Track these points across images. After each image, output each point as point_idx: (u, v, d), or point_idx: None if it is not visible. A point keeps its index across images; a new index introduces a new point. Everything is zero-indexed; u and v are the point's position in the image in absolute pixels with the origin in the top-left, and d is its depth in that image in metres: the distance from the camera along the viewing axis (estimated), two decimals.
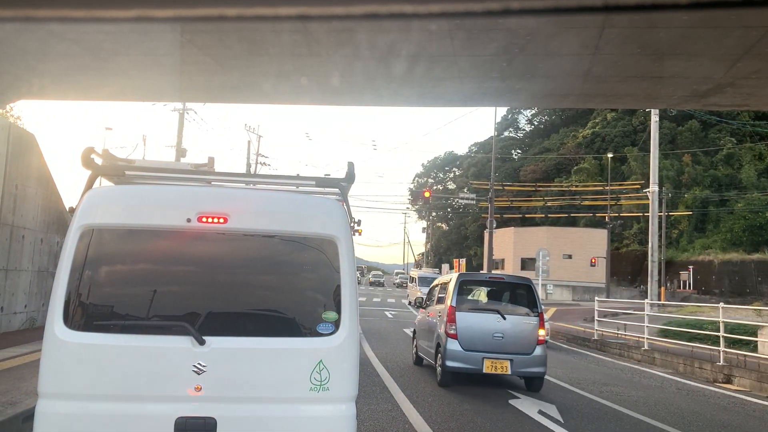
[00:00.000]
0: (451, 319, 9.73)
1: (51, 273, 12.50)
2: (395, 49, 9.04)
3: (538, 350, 9.82)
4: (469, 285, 10.86)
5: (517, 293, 10.67)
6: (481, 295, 11.14)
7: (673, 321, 17.37)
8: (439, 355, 9.91)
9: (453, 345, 9.62)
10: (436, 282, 12.29)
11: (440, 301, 10.73)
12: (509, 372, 9.72)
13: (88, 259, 3.56)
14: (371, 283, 65.12)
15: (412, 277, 37.74)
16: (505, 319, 9.85)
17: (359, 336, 4.34)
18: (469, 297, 10.72)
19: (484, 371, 9.60)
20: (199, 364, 3.47)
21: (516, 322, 9.92)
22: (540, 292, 26.16)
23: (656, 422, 8.32)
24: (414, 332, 12.68)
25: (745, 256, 44.06)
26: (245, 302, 3.83)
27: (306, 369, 3.59)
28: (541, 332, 9.98)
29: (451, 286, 10.11)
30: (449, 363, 9.60)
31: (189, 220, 3.57)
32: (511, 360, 9.62)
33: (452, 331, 9.68)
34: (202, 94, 14.23)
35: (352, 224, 5.15)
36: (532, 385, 9.99)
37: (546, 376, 10.30)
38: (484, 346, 9.66)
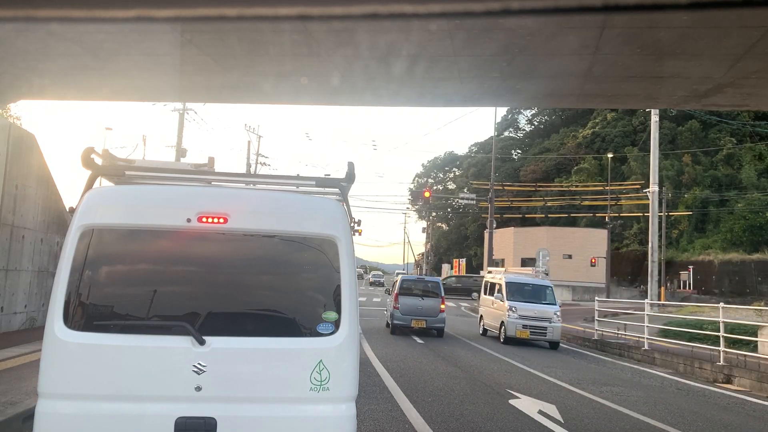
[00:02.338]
0: (396, 299, 18.21)
1: (51, 273, 12.50)
2: (395, 49, 9.04)
3: (441, 315, 18.09)
4: (407, 282, 19.59)
5: (430, 286, 19.11)
6: (412, 286, 19.10)
7: (673, 321, 17.37)
8: (391, 317, 18.45)
9: (397, 313, 18.03)
10: (394, 280, 23.02)
11: (394, 289, 19.22)
12: (425, 326, 17.86)
13: (88, 259, 3.56)
14: (371, 283, 65.09)
15: (492, 284, 19.97)
16: (423, 299, 18.24)
17: (359, 336, 4.34)
18: (406, 288, 18.72)
19: (411, 326, 17.77)
20: (199, 364, 3.47)
21: (429, 301, 18.24)
22: None
23: (656, 422, 8.32)
24: (387, 309, 20.84)
25: (745, 256, 44.04)
26: (245, 302, 3.83)
27: (306, 369, 3.59)
28: (442, 306, 18.21)
29: (398, 283, 19.17)
30: (395, 321, 18.06)
31: (189, 220, 3.57)
32: (426, 320, 17.85)
33: (397, 305, 18.08)
34: (202, 94, 14.22)
35: (352, 224, 5.15)
36: (437, 332, 18.19)
37: (546, 376, 11.60)
38: (412, 313, 17.92)
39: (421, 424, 7.30)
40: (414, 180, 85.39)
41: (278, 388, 3.64)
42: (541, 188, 60.10)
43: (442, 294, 18.48)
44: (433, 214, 78.35)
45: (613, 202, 48.90)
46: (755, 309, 17.55)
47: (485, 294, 20.29)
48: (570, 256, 52.00)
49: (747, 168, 52.11)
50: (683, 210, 50.50)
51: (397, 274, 75.68)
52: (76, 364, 3.49)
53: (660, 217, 34.74)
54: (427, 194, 40.15)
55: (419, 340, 16.79)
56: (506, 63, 9.51)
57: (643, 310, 17.09)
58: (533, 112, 74.63)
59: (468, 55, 9.26)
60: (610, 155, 49.49)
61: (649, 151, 30.75)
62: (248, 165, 38.32)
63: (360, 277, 60.35)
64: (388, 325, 19.25)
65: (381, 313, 26.83)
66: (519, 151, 72.77)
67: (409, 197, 79.51)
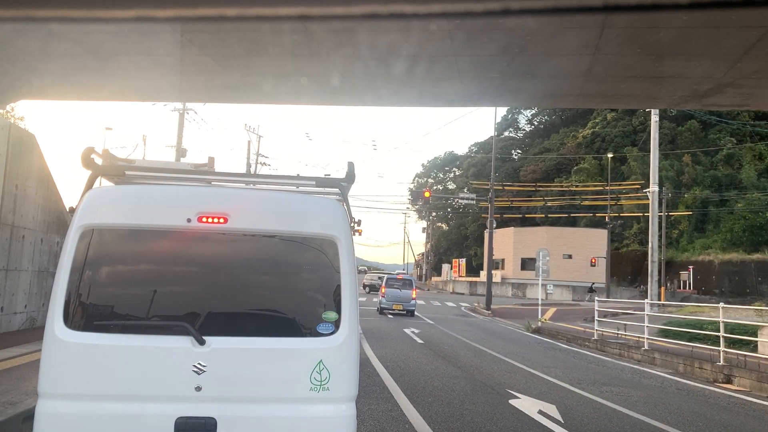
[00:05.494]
0: (383, 290, 26.97)
1: (51, 273, 12.51)
2: (395, 49, 9.04)
3: (412, 301, 26.32)
4: (390, 279, 28.12)
5: (406, 281, 27.62)
6: (394, 282, 27.37)
7: (673, 321, 17.35)
8: (380, 303, 26.87)
9: (383, 300, 26.58)
10: (379, 277, 40.20)
11: (382, 284, 28.35)
12: (402, 309, 25.79)
13: (89, 259, 3.56)
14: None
15: None
16: (401, 290, 26.44)
17: (359, 336, 4.34)
18: (390, 283, 27.20)
19: (393, 308, 25.88)
20: (199, 364, 3.47)
21: (405, 291, 26.44)
22: (540, 292, 27.02)
23: (656, 422, 8.32)
24: (377, 298, 29.16)
25: (745, 256, 44.04)
26: (245, 302, 3.82)
27: (306, 369, 3.59)
28: (414, 294, 26.67)
29: (384, 279, 28.91)
30: (382, 306, 26.47)
31: (189, 220, 3.57)
32: (403, 304, 25.85)
33: (383, 295, 26.68)
34: (202, 94, 14.22)
35: (352, 224, 5.14)
36: (409, 313, 25.96)
37: (546, 376, 11.67)
38: (393, 300, 26.17)
39: (421, 424, 7.30)
40: (414, 180, 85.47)
41: (278, 388, 3.64)
42: (541, 188, 60.12)
43: (414, 287, 27.61)
44: (433, 214, 78.35)
45: (613, 202, 48.92)
46: (755, 309, 17.54)
47: None
48: (570, 256, 52.02)
49: (747, 168, 52.11)
50: (683, 210, 50.50)
51: (397, 273, 76.80)
52: (76, 364, 3.48)
53: (660, 217, 34.74)
54: (427, 194, 40.26)
55: (419, 340, 16.80)
56: (506, 63, 9.51)
57: (643, 310, 17.08)
58: (533, 112, 74.63)
59: (468, 55, 9.26)
60: (610, 155, 49.52)
61: (649, 151, 30.75)
62: (248, 165, 38.33)
63: (363, 272, 60.23)
64: (378, 309, 26.95)
65: (383, 314, 26.90)
66: (519, 151, 72.76)
67: (409, 197, 79.58)
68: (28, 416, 4.98)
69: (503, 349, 16.14)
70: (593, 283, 37.52)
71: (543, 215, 59.55)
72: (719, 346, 12.83)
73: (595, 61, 9.25)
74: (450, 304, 39.40)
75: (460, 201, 60.98)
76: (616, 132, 59.89)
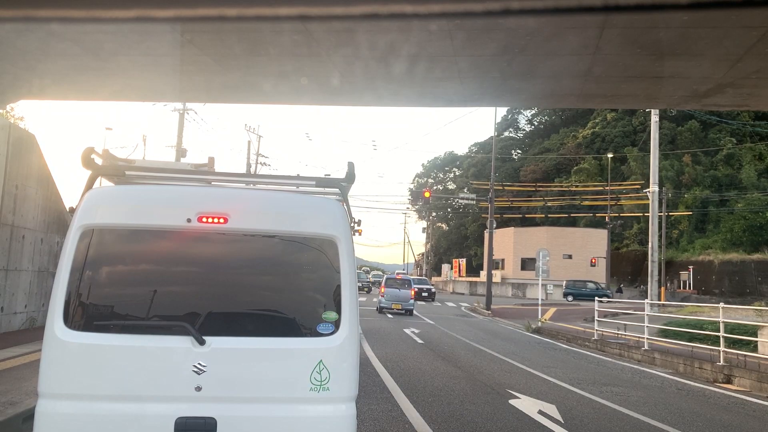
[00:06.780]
0: (382, 289, 27.78)
1: (51, 273, 12.51)
2: (395, 49, 9.04)
3: (410, 301, 27.17)
4: (389, 279, 29.04)
5: (406, 281, 28.88)
6: (393, 282, 28.52)
7: (673, 321, 17.35)
8: (379, 302, 27.60)
9: (383, 299, 27.26)
10: (382, 279, 32.53)
11: (382, 284, 29.00)
12: (401, 308, 26.56)
13: (89, 259, 3.56)
14: (371, 283, 65.20)
15: None
16: (400, 290, 27.33)
17: (359, 336, 4.34)
18: (390, 282, 28.33)
19: (392, 308, 26.64)
20: (199, 364, 3.47)
21: (404, 291, 27.41)
22: (540, 292, 27.13)
23: (656, 422, 8.32)
24: (377, 298, 30.00)
25: (745, 256, 44.05)
26: (245, 302, 3.82)
27: (306, 369, 3.59)
28: (411, 293, 27.61)
29: (384, 279, 29.52)
30: (381, 305, 27.17)
31: (189, 220, 3.57)
32: (401, 303, 26.70)
33: (383, 294, 27.38)
34: (202, 94, 14.23)
35: (352, 224, 5.15)
36: (408, 312, 26.68)
37: (546, 376, 11.72)
38: (392, 299, 26.93)
39: (421, 424, 7.30)
40: (414, 180, 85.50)
41: (278, 388, 3.64)
42: (541, 188, 60.14)
43: (413, 287, 29.09)
44: (433, 214, 78.36)
45: (613, 202, 48.95)
46: (755, 309, 17.53)
47: None
48: (570, 256, 52.01)
49: (747, 168, 52.14)
50: (683, 210, 50.51)
51: (397, 273, 77.13)
52: (76, 364, 3.48)
53: (660, 217, 34.73)
54: (427, 194, 40.25)
55: (419, 340, 16.80)
56: (506, 63, 9.52)
57: (643, 310, 17.08)
58: (533, 112, 74.64)
59: (468, 55, 9.26)
60: (610, 155, 49.56)
61: (649, 151, 30.74)
62: (248, 165, 38.34)
63: (366, 273, 60.47)
64: (377, 309, 27.85)
65: (383, 313, 26.92)
66: (519, 151, 72.77)
67: (409, 197, 79.60)
68: (28, 416, 4.99)
69: (503, 349, 16.13)
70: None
71: (543, 215, 59.57)
72: (719, 346, 12.82)
73: (595, 61, 9.25)
74: (450, 304, 39.40)
75: (460, 201, 60.98)
76: (616, 132, 59.90)
